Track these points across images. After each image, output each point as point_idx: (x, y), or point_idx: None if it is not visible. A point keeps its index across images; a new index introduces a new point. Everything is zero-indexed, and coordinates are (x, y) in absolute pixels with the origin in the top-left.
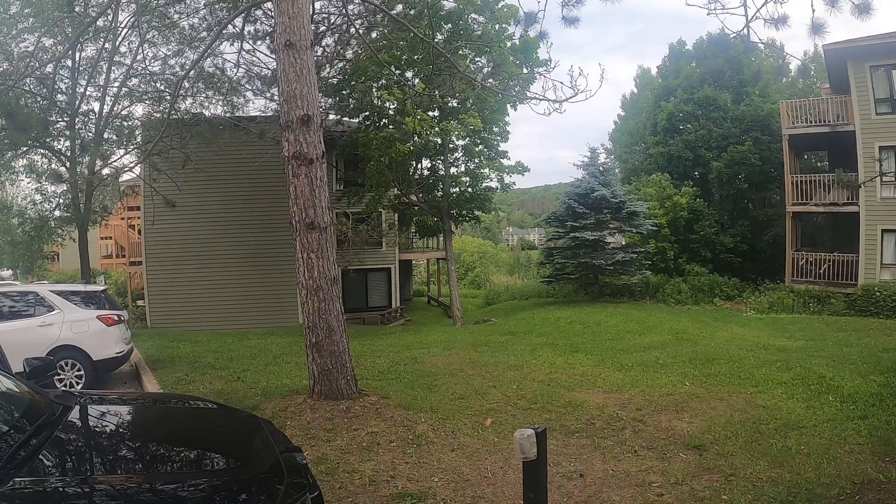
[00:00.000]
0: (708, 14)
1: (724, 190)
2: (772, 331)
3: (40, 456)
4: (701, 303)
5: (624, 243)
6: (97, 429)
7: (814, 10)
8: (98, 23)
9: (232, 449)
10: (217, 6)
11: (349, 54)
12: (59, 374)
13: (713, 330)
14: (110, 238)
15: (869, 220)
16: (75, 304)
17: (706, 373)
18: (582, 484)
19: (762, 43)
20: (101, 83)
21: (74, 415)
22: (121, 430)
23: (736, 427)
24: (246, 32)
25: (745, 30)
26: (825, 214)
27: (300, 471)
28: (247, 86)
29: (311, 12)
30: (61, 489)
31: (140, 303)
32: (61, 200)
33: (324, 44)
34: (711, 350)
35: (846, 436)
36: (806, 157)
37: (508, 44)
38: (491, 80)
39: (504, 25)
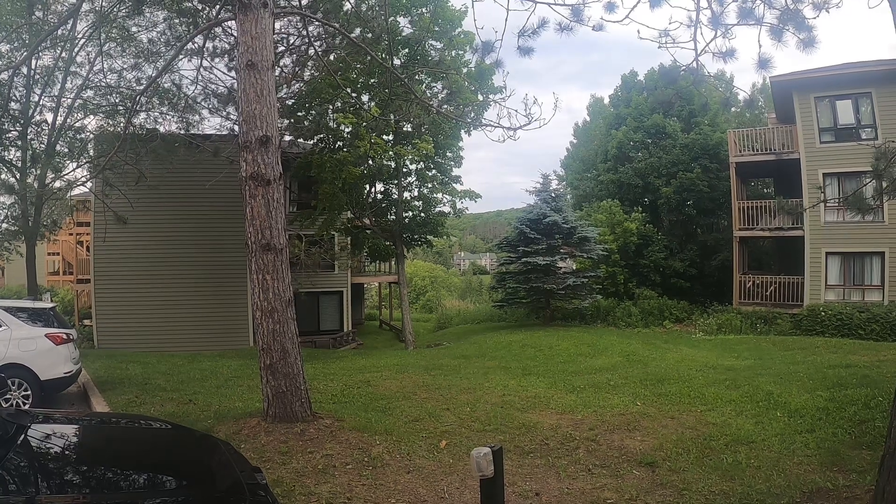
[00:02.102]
0: (659, 47)
1: (674, 216)
2: (720, 351)
3: None
4: (651, 326)
5: (575, 268)
6: (55, 449)
7: (760, 46)
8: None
9: (190, 469)
10: (176, 20)
11: (306, 75)
12: (6, 394)
13: (663, 351)
14: (58, 254)
15: (813, 243)
16: (23, 320)
17: (657, 393)
18: (538, 502)
19: (711, 76)
20: (56, 93)
21: (30, 434)
22: (78, 449)
23: (687, 444)
24: (205, 49)
25: (695, 63)
26: (771, 239)
27: (261, 490)
28: (203, 103)
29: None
30: None
31: (87, 322)
32: (9, 213)
33: (282, 64)
34: (662, 371)
35: (795, 448)
36: (753, 183)
37: (465, 70)
38: (446, 106)
39: (460, 52)
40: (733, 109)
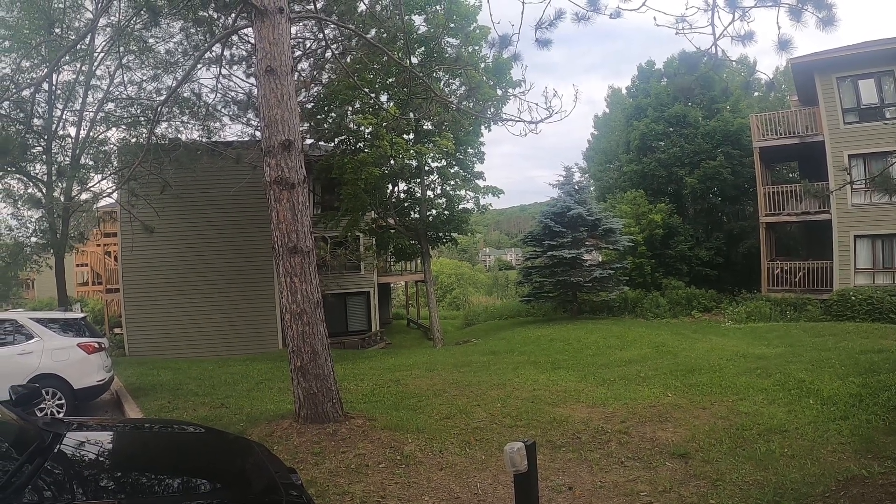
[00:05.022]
0: (676, 33)
1: (698, 204)
2: (750, 339)
3: (34, 484)
4: (679, 316)
5: (601, 260)
6: (90, 456)
7: (779, 27)
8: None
9: (225, 471)
10: (193, 30)
11: (324, 78)
12: (40, 404)
13: (692, 342)
14: (86, 265)
15: (841, 226)
16: (55, 331)
17: (687, 383)
18: (571, 496)
19: (732, 60)
20: (78, 108)
21: (66, 442)
22: (113, 455)
23: (720, 434)
24: (223, 57)
25: (714, 48)
26: (798, 223)
27: (296, 491)
28: (223, 111)
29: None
30: None
31: (118, 331)
32: (37, 226)
33: (299, 68)
34: (692, 361)
35: (828, 436)
36: (777, 168)
37: (482, 65)
38: (466, 103)
39: (477, 48)
40: (755, 94)
